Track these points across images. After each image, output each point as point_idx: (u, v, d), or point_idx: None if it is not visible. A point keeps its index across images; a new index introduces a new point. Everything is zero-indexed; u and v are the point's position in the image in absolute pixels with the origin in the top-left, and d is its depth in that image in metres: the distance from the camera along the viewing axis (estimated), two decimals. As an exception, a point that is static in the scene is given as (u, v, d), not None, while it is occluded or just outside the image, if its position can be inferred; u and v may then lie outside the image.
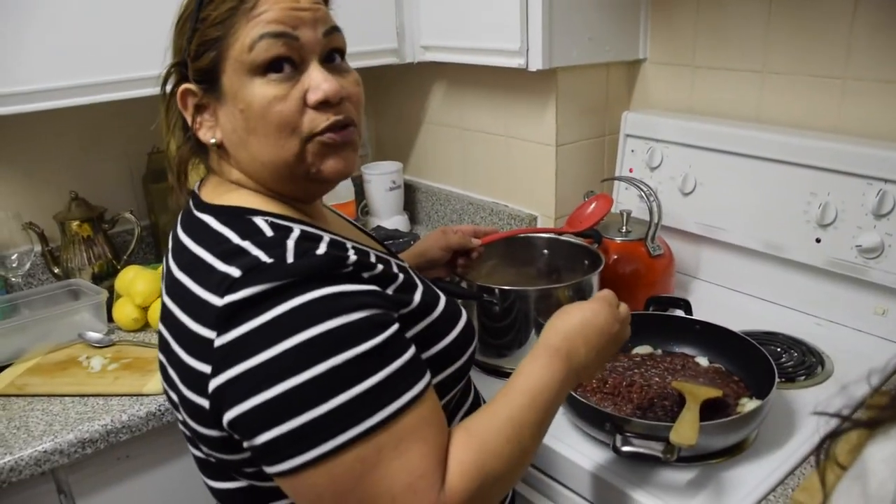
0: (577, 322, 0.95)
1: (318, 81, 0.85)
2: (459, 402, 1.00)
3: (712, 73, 1.74)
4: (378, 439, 0.74)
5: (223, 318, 0.76)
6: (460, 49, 1.82)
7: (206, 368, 0.77)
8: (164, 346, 0.89)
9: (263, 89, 0.84)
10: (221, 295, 0.77)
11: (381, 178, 2.13)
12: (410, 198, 2.29)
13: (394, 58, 1.92)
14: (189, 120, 0.90)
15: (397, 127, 2.29)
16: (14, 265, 1.66)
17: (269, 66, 0.84)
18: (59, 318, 1.54)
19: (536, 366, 0.89)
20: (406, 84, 2.19)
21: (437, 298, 0.95)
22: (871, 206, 1.39)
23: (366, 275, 0.83)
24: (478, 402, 1.06)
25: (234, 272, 0.77)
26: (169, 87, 0.92)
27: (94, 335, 1.56)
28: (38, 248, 1.72)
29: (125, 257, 1.78)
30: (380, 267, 0.85)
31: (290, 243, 0.80)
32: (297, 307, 0.75)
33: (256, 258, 0.78)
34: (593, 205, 1.55)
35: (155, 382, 1.39)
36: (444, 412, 0.93)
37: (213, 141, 0.89)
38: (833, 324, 1.54)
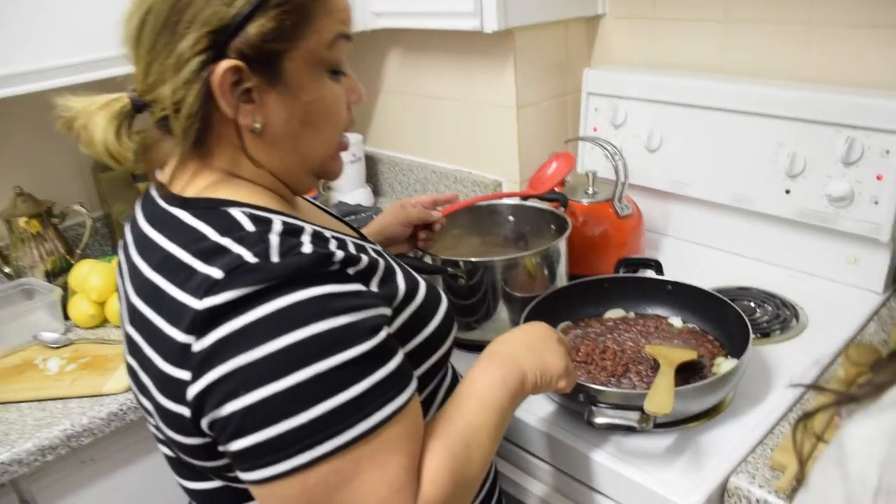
0: (517, 331, 1.01)
1: (355, 83, 0.90)
2: (440, 384, 0.97)
3: (673, 24, 1.69)
4: (359, 451, 0.71)
5: (202, 322, 0.71)
6: (413, 13, 1.76)
7: (185, 375, 0.73)
8: (134, 350, 0.83)
9: (334, 88, 0.84)
10: (201, 297, 0.71)
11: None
12: (372, 169, 2.24)
13: (345, 26, 1.85)
14: (228, 101, 0.78)
15: (355, 98, 2.23)
16: (-38, 267, 1.60)
17: (337, 66, 0.85)
18: (12, 321, 1.48)
19: (478, 370, 0.91)
20: (360, 53, 2.13)
21: (417, 284, 0.91)
22: (839, 154, 1.36)
23: (352, 271, 0.78)
24: (456, 381, 1.03)
25: (216, 273, 0.72)
26: (193, 51, 0.76)
27: (49, 335, 1.50)
28: (-15, 247, 1.66)
29: (79, 251, 1.72)
30: (364, 258, 0.81)
31: (274, 239, 0.75)
32: (282, 309, 0.70)
33: (239, 257, 0.73)
34: (554, 164, 1.51)
35: (115, 381, 1.34)
36: (427, 398, 0.92)
37: (257, 126, 0.81)
38: (806, 275, 1.52)
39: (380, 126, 2.21)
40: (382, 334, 0.76)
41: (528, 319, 1.24)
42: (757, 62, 1.57)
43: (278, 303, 0.70)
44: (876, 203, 1.35)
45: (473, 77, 1.84)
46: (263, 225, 0.77)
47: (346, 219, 1.89)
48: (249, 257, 0.72)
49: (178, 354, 0.73)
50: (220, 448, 0.74)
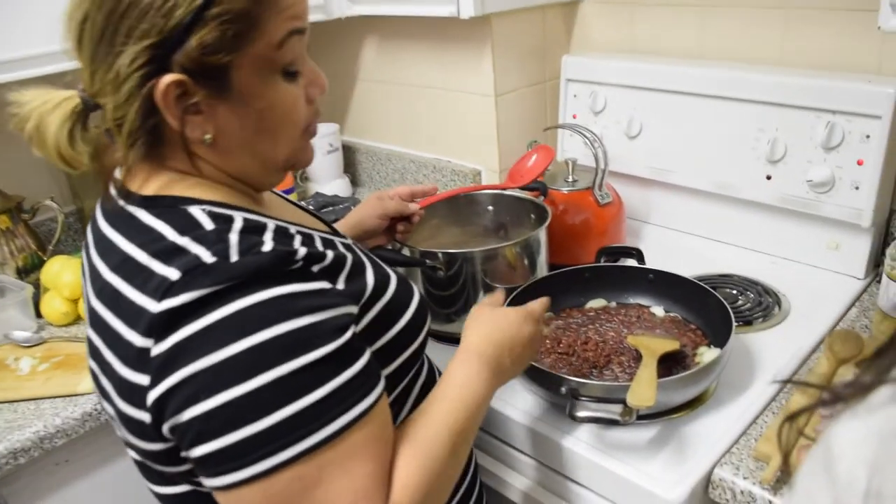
0: (508, 332, 0.95)
1: (316, 74, 0.84)
2: (414, 379, 0.95)
3: (652, 9, 1.67)
4: (323, 457, 0.69)
5: (160, 325, 0.69)
6: (388, 0, 1.73)
7: (144, 380, 0.71)
8: (95, 354, 0.81)
9: (288, 90, 0.79)
10: (159, 299, 0.69)
11: (317, 141, 2.01)
12: (350, 159, 2.21)
13: (320, 14, 1.82)
14: (174, 115, 0.75)
15: (331, 87, 2.12)
16: (-71, 265, 1.56)
17: (292, 66, 0.79)
18: (-18, 319, 1.45)
19: (471, 374, 0.88)
20: (337, 41, 2.09)
21: (388, 278, 0.89)
22: (820, 139, 1.35)
23: (316, 268, 0.76)
24: (432, 374, 1.01)
25: (173, 274, 0.70)
26: (132, 68, 0.73)
27: (21, 334, 1.46)
28: (-47, 245, 1.61)
29: (51, 247, 1.68)
30: (329, 254, 0.78)
31: (234, 238, 0.72)
32: (241, 310, 0.68)
33: (197, 257, 0.70)
34: (534, 157, 1.49)
35: (89, 380, 1.29)
36: (402, 393, 0.90)
37: (207, 137, 0.77)
38: (787, 261, 1.51)
39: (357, 115, 2.18)
40: (348, 334, 0.74)
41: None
42: (737, 47, 1.56)
43: (238, 304, 0.69)
44: (857, 188, 1.34)
45: (451, 65, 1.81)
46: (223, 223, 0.75)
47: (324, 210, 1.88)
48: (207, 257, 0.70)
49: (137, 359, 0.71)
50: (182, 454, 0.72)
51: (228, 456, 0.68)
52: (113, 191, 0.84)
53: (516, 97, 1.79)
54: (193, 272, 0.69)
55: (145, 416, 0.72)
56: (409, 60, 1.92)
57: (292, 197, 2.04)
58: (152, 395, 0.70)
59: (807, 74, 1.39)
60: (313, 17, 1.79)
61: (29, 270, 1.63)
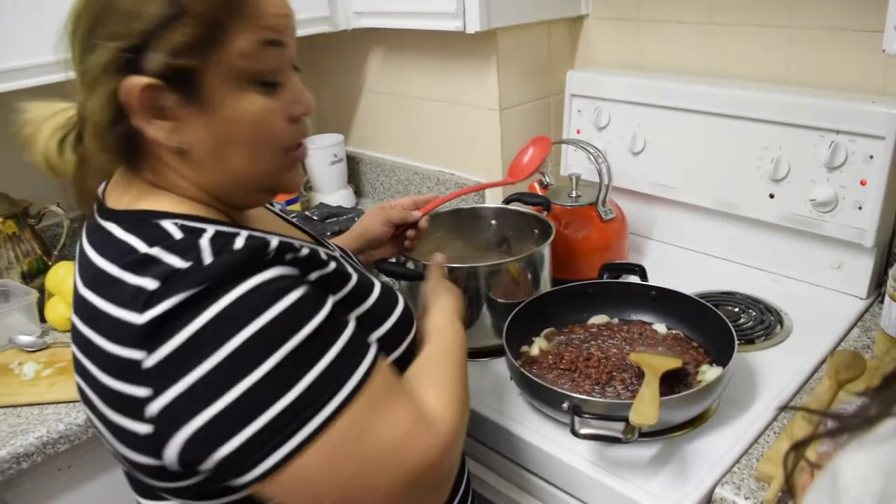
0: (446, 300, 1.08)
1: (300, 94, 0.83)
2: None
3: (657, 26, 1.69)
4: (358, 403, 0.73)
5: (148, 336, 0.69)
6: (394, 13, 1.74)
7: (141, 392, 0.70)
8: (80, 370, 0.80)
9: (259, 101, 0.78)
10: (140, 311, 0.69)
11: (321, 151, 2.04)
12: (354, 170, 2.22)
13: (326, 25, 1.83)
14: (142, 118, 0.76)
15: (336, 98, 2.20)
16: (-66, 269, 1.56)
17: (264, 77, 0.78)
18: (-13, 324, 1.46)
19: (454, 326, 1.00)
20: (342, 52, 2.10)
21: (372, 285, 0.90)
22: (823, 158, 1.36)
23: (289, 256, 0.78)
24: None
25: (150, 284, 0.70)
26: (101, 68, 0.76)
27: (25, 339, 1.47)
28: (-41, 249, 1.62)
29: (56, 253, 1.69)
30: (304, 250, 0.80)
31: (204, 242, 0.73)
32: (227, 307, 0.69)
33: (170, 265, 0.71)
34: (530, 151, 1.45)
35: (92, 387, 1.31)
36: None
37: (178, 146, 0.78)
38: (789, 279, 1.51)
39: (361, 126, 2.19)
40: (330, 301, 0.78)
41: (510, 326, 1.24)
42: (741, 65, 1.57)
43: (223, 302, 0.69)
44: (860, 208, 1.35)
45: (456, 78, 1.82)
46: (194, 233, 0.75)
47: (328, 220, 1.89)
48: (181, 263, 0.71)
49: (127, 371, 0.71)
50: (201, 466, 0.71)
51: (271, 433, 0.69)
52: (95, 205, 0.85)
53: (521, 111, 1.80)
54: (170, 279, 0.70)
55: (141, 428, 0.72)
56: (415, 73, 1.93)
57: (296, 207, 2.05)
58: (156, 407, 0.70)
59: (811, 94, 1.40)
60: (319, 28, 1.80)
61: (34, 275, 1.64)
